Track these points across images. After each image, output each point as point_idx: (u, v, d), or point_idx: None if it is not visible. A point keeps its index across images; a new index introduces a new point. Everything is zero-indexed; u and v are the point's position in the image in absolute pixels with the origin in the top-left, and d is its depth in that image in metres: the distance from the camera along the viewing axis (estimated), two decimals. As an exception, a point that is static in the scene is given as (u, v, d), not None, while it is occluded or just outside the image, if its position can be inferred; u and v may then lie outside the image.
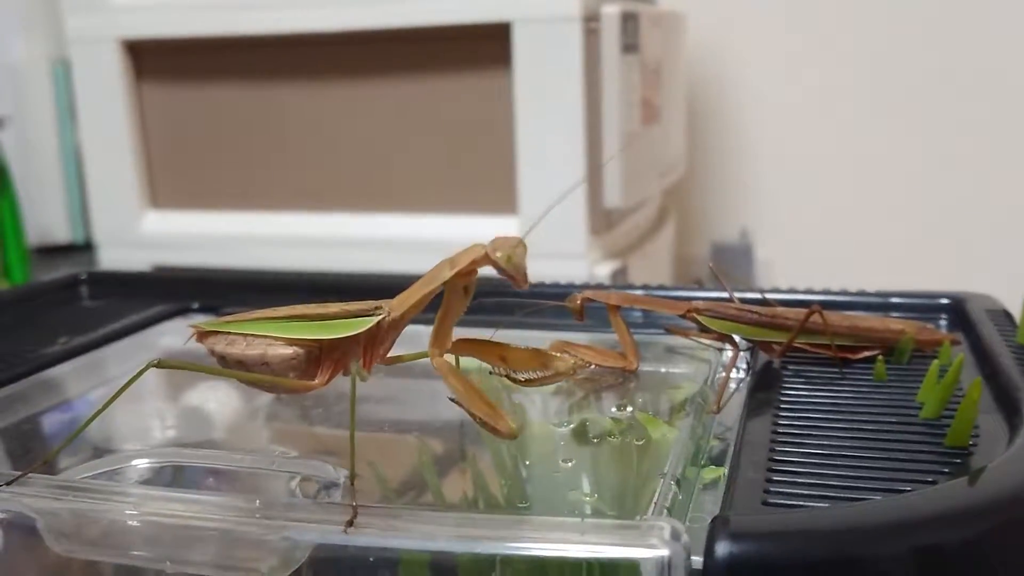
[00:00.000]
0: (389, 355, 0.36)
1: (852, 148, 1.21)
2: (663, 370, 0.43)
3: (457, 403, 0.33)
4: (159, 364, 0.32)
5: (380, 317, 0.34)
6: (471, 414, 0.32)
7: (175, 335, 0.52)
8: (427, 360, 0.35)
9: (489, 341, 0.35)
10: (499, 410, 0.32)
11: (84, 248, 1.14)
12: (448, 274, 0.33)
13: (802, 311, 0.41)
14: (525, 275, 0.32)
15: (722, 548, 0.26)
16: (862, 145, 1.20)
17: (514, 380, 0.34)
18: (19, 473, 0.32)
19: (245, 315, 0.36)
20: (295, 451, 0.38)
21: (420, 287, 0.34)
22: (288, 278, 0.56)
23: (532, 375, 0.34)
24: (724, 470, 0.35)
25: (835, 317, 0.40)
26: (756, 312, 0.41)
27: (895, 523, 0.26)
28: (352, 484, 0.29)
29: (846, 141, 1.21)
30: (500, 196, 0.91)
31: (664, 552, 0.26)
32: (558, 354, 0.35)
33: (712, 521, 0.27)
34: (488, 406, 0.32)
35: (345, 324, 0.35)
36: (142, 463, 0.35)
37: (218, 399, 0.42)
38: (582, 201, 0.87)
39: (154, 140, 0.99)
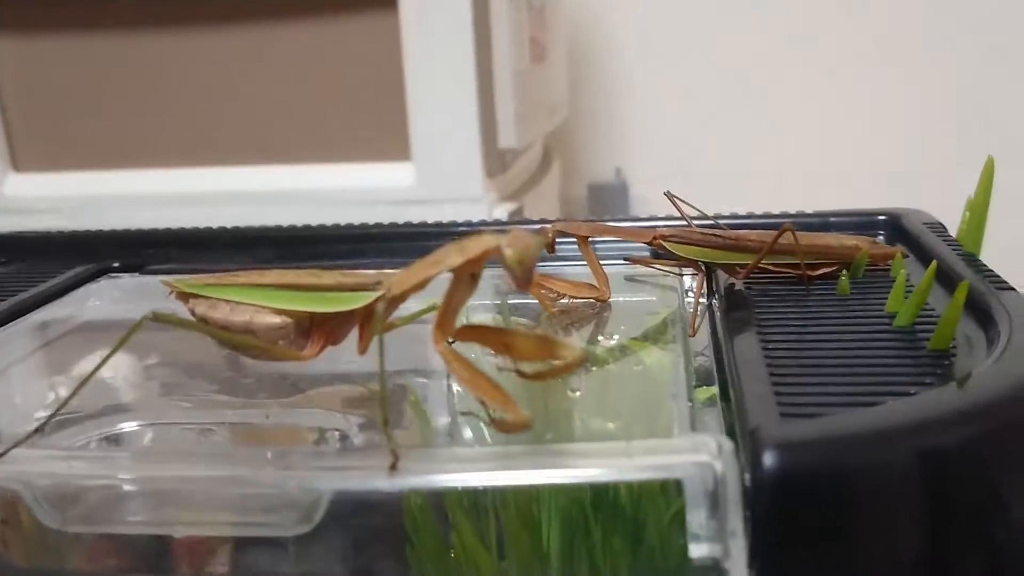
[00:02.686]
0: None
1: (726, 86, 1.24)
2: (633, 299, 0.43)
3: (465, 413, 0.31)
4: (154, 317, 0.30)
5: (379, 294, 0.33)
6: (480, 403, 0.31)
7: (101, 297, 0.49)
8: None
9: (494, 328, 0.33)
10: (509, 397, 0.30)
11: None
12: (457, 260, 0.31)
13: (764, 232, 0.42)
14: (529, 279, 0.30)
15: (770, 458, 0.27)
16: (735, 84, 1.24)
17: (523, 375, 0.32)
18: (9, 445, 0.29)
19: (226, 278, 0.34)
20: (280, 405, 0.37)
21: (423, 268, 0.32)
22: (212, 233, 0.53)
23: (541, 368, 0.32)
24: (715, 389, 0.36)
25: (801, 237, 0.42)
26: (720, 236, 0.42)
27: (935, 419, 0.27)
28: (386, 428, 0.28)
29: (721, 78, 1.24)
30: (392, 142, 0.89)
31: (718, 465, 0.27)
32: (565, 341, 0.33)
33: (751, 433, 0.28)
34: (498, 392, 0.30)
35: (341, 298, 0.33)
36: (131, 426, 0.33)
37: (186, 359, 0.40)
38: (477, 144, 0.86)
39: (11, 98, 0.92)
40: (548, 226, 0.42)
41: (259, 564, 0.31)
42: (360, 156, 0.90)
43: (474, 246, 0.30)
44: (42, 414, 0.38)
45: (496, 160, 0.89)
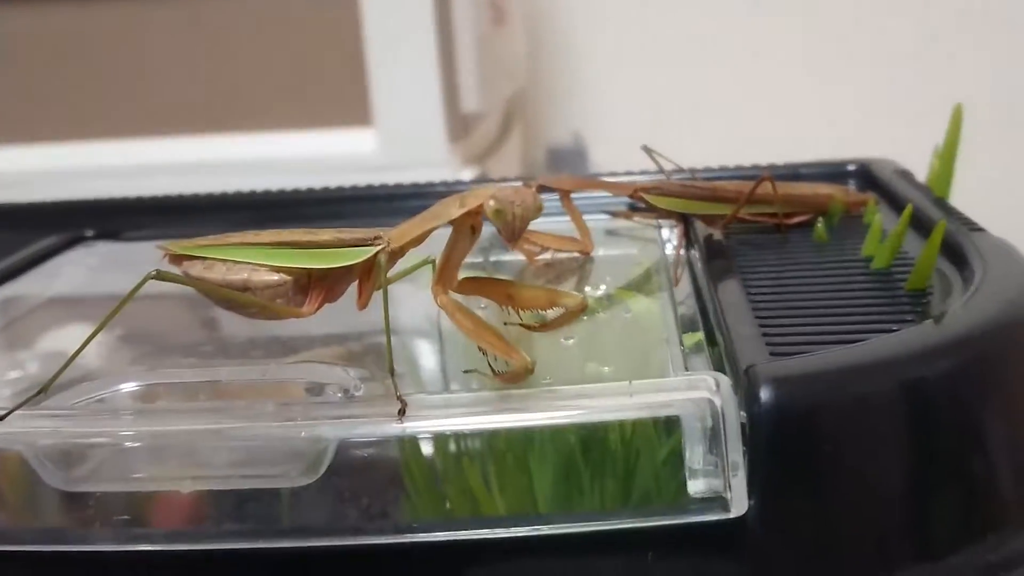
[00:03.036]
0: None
1: (686, 46, 1.25)
2: (615, 252, 0.44)
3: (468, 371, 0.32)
4: (158, 275, 0.30)
5: (380, 248, 0.33)
6: (482, 352, 0.31)
7: (77, 265, 0.49)
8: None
9: (495, 279, 0.34)
10: (512, 345, 0.30)
11: None
12: (456, 212, 0.32)
13: (741, 183, 0.43)
14: (515, 234, 0.30)
15: (766, 393, 0.28)
16: (695, 44, 1.25)
17: (530, 328, 0.33)
18: (12, 407, 0.30)
19: (221, 239, 0.35)
20: (276, 363, 0.37)
21: (423, 221, 0.32)
22: (187, 200, 0.53)
23: (546, 319, 0.32)
24: (700, 335, 0.37)
25: (778, 186, 0.43)
26: (699, 187, 0.43)
27: (919, 352, 0.29)
28: (392, 377, 0.29)
29: (680, 37, 1.25)
30: (353, 107, 0.88)
31: (717, 400, 0.28)
32: (566, 290, 0.34)
33: (746, 371, 0.29)
34: (500, 340, 0.31)
35: (340, 254, 0.33)
36: (129, 387, 0.33)
37: (176, 323, 0.40)
38: (439, 108, 0.86)
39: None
40: (532, 181, 0.42)
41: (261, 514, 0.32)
42: (321, 123, 0.90)
43: (473, 199, 0.31)
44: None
45: (459, 124, 0.89)
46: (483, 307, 0.35)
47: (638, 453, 0.32)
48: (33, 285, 0.46)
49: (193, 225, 0.52)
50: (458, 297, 0.32)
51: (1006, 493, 0.30)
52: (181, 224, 0.52)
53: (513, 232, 0.30)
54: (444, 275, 0.32)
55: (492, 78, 0.95)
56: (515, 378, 0.30)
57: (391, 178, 0.90)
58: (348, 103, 0.88)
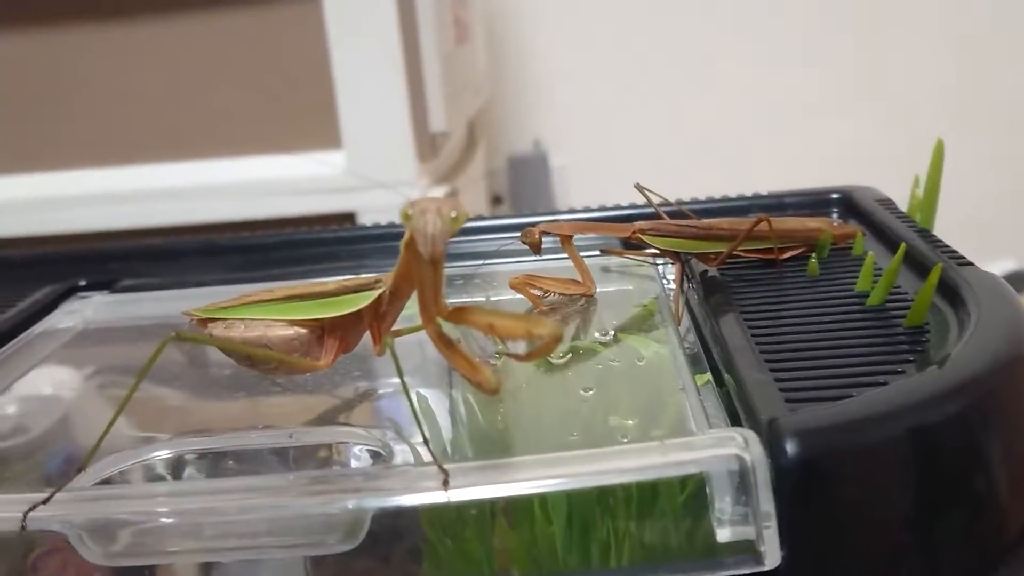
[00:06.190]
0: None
1: (639, 55, 1.27)
2: (611, 288, 0.45)
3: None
4: (178, 337, 0.31)
5: (381, 291, 0.34)
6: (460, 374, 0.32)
7: (74, 317, 0.49)
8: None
9: (479, 309, 0.33)
10: (477, 364, 0.31)
11: None
12: (407, 237, 0.31)
13: (735, 220, 0.44)
14: (427, 240, 0.29)
15: (792, 447, 0.29)
16: (649, 52, 1.26)
17: (514, 357, 0.34)
18: (54, 489, 0.30)
19: (239, 299, 0.35)
20: (294, 423, 0.38)
21: (399, 256, 0.33)
22: (180, 245, 0.53)
23: (530, 348, 0.33)
24: (708, 376, 0.39)
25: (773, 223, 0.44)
26: (694, 226, 0.44)
27: (934, 398, 0.30)
28: (428, 446, 0.30)
29: (635, 47, 1.27)
30: (322, 131, 0.89)
31: (747, 457, 0.29)
32: (540, 316, 0.35)
33: (770, 424, 0.30)
34: (466, 362, 0.31)
35: (346, 301, 0.34)
36: (160, 455, 0.33)
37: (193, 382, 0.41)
38: (408, 128, 0.87)
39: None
40: (534, 228, 0.43)
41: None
42: (290, 146, 0.90)
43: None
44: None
45: (427, 144, 0.90)
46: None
47: (655, 496, 0.33)
48: (35, 346, 0.46)
49: (186, 271, 0.52)
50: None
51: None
52: (175, 270, 0.52)
53: (426, 238, 0.29)
54: (423, 304, 0.32)
55: (457, 95, 0.95)
56: (484, 390, 0.31)
57: (360, 199, 0.91)
58: (317, 126, 0.88)
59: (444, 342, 0.32)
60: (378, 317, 0.35)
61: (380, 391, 0.40)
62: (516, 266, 0.45)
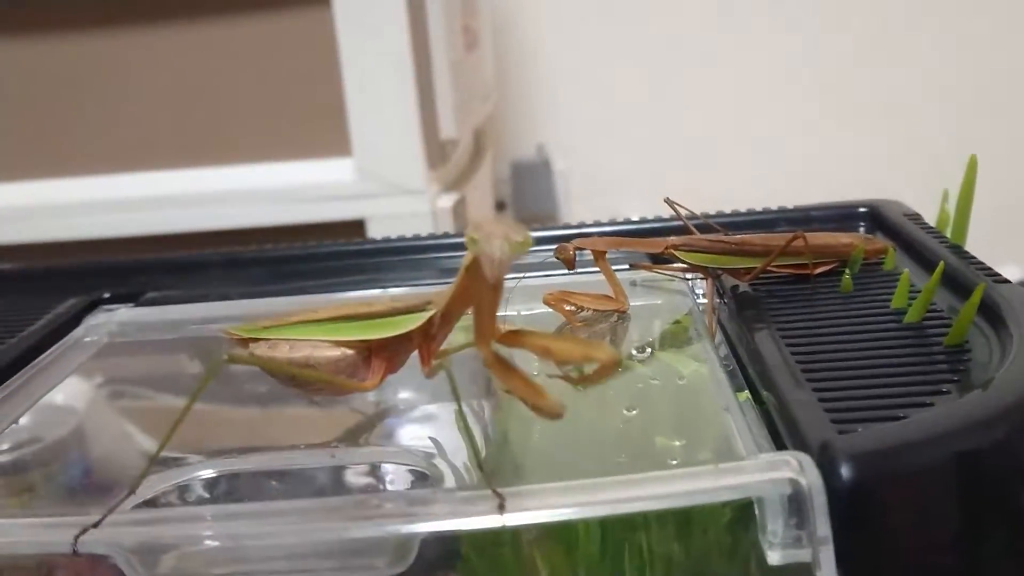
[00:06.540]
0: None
1: (642, 60, 1.27)
2: (641, 303, 0.45)
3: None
4: (229, 359, 0.31)
5: (432, 312, 0.34)
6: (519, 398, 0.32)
7: (99, 330, 0.48)
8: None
9: (534, 332, 0.33)
10: (541, 389, 0.31)
11: None
12: (467, 260, 0.31)
13: (767, 236, 0.44)
14: (493, 264, 0.29)
15: (847, 471, 0.29)
16: (652, 57, 1.27)
17: (569, 380, 0.34)
18: (104, 512, 0.30)
19: (284, 318, 0.35)
20: (333, 441, 0.37)
21: (457, 278, 0.33)
22: (204, 257, 0.53)
23: (585, 372, 0.33)
24: (747, 394, 0.38)
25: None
26: (726, 242, 0.44)
27: (984, 419, 0.30)
28: (482, 470, 0.30)
29: (637, 52, 1.27)
30: (332, 138, 0.88)
31: (803, 481, 0.29)
32: (598, 341, 0.34)
33: (822, 447, 0.30)
34: (530, 387, 0.31)
35: (396, 322, 0.34)
36: (203, 475, 0.33)
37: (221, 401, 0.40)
38: (418, 136, 0.86)
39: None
40: (568, 244, 0.43)
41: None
42: (300, 153, 0.89)
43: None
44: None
45: (436, 151, 0.90)
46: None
47: (701, 519, 0.33)
48: (63, 360, 0.46)
49: (211, 283, 0.52)
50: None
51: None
52: (199, 283, 0.52)
53: (493, 263, 0.29)
54: (479, 329, 0.32)
55: (467, 103, 0.95)
56: (547, 415, 0.31)
57: (370, 206, 0.90)
58: (327, 133, 0.88)
59: (501, 365, 0.31)
60: (428, 339, 0.34)
61: (417, 409, 0.40)
62: (538, 280, 0.45)
